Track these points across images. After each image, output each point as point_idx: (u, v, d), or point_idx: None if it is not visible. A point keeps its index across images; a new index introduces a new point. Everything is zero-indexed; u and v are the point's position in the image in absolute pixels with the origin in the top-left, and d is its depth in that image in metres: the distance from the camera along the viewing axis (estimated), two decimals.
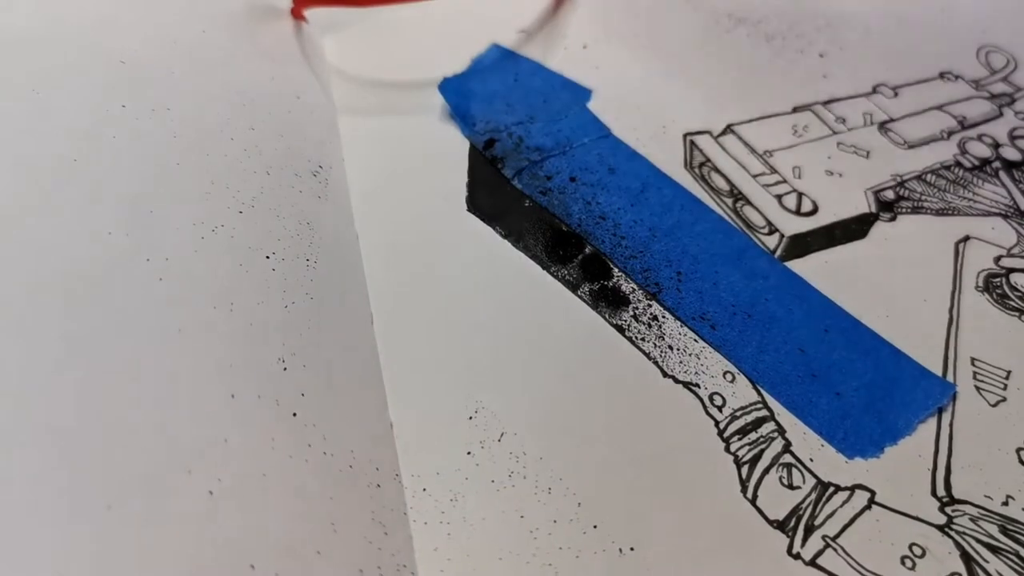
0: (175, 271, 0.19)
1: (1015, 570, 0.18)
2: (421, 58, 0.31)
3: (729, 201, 0.26)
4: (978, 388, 0.22)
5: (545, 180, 0.27)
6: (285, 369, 0.19)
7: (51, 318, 0.16)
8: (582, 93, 0.30)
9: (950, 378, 0.22)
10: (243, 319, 0.20)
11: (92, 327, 0.17)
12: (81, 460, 0.15)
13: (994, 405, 0.22)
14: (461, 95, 0.29)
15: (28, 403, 0.15)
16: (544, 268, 0.24)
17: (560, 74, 0.30)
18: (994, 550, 0.19)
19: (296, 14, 0.31)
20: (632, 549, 0.19)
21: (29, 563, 0.13)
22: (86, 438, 0.15)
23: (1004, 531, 0.19)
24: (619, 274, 0.24)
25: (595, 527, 0.19)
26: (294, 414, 0.19)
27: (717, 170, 0.27)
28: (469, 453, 0.20)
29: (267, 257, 0.22)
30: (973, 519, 0.19)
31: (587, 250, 0.25)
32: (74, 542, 0.14)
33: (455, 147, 0.28)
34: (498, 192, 0.26)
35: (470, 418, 0.21)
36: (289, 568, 0.16)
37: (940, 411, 0.21)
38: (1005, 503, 0.20)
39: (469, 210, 0.26)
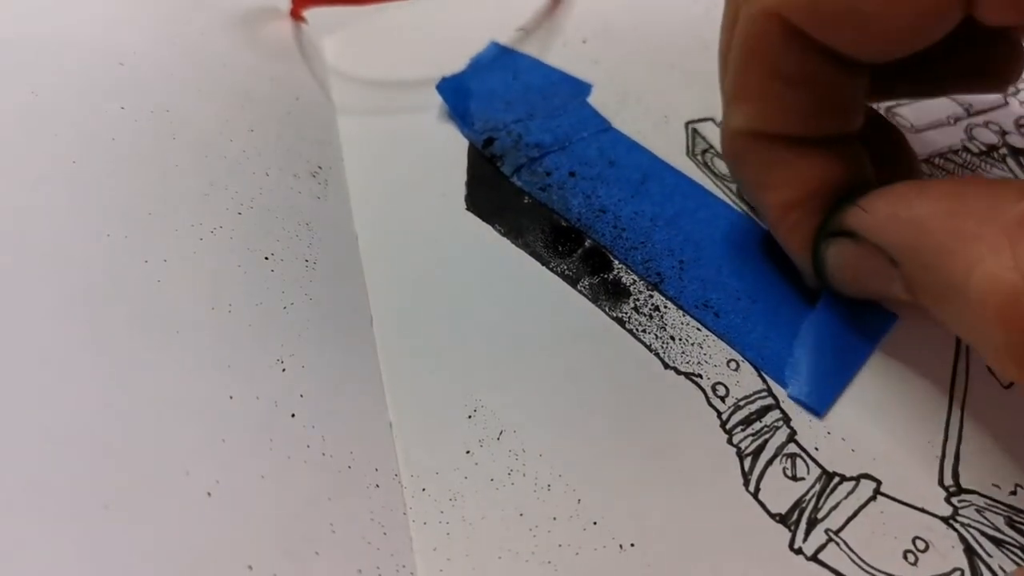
0: (173, 272, 0.20)
1: (1019, 564, 0.18)
2: (420, 58, 0.31)
3: (733, 186, 0.26)
4: (990, 368, 0.21)
5: (544, 176, 0.26)
6: (284, 370, 0.19)
7: (48, 319, 0.17)
8: (582, 88, 0.29)
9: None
10: (241, 320, 0.20)
11: (90, 328, 0.17)
12: (78, 460, 0.15)
13: (1007, 386, 0.21)
14: (459, 94, 0.29)
15: (25, 403, 0.15)
16: (544, 264, 0.24)
17: (559, 69, 0.30)
18: (998, 543, 0.18)
19: (295, 15, 0.31)
20: (632, 545, 0.19)
21: (26, 563, 0.13)
22: (83, 438, 0.15)
23: (1010, 523, 0.19)
24: (620, 266, 0.24)
25: (595, 523, 0.19)
26: (292, 415, 0.19)
27: (720, 156, 0.27)
28: (468, 452, 0.20)
29: (266, 258, 0.22)
30: (979, 510, 0.19)
31: (587, 244, 0.25)
32: (71, 542, 0.14)
33: (454, 146, 0.28)
34: (497, 190, 0.26)
35: (469, 417, 0.21)
36: (287, 569, 0.16)
37: (951, 398, 0.21)
38: (1013, 492, 0.19)
39: (468, 209, 0.26)
